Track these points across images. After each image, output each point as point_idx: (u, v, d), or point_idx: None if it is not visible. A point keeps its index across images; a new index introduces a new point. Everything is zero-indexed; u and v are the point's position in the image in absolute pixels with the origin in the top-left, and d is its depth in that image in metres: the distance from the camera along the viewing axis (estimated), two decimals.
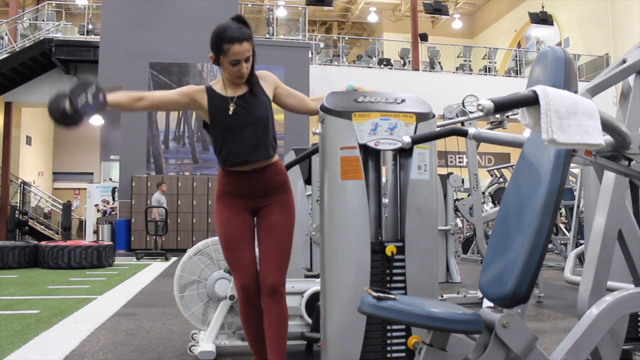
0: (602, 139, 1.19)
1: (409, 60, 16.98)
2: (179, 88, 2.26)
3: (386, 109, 2.16)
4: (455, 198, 7.34)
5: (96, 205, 15.37)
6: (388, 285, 2.11)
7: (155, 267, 8.58)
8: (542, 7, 17.25)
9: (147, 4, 13.13)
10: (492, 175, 10.41)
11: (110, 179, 18.37)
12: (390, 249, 2.11)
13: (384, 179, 2.85)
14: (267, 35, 14.79)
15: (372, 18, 22.38)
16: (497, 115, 4.84)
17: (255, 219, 2.30)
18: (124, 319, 4.21)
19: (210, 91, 2.22)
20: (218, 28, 2.15)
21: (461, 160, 16.65)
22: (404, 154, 2.20)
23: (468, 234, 11.29)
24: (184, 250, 3.45)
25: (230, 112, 2.18)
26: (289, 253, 2.28)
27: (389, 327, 2.09)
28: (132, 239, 12.26)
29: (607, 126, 1.39)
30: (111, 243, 9.07)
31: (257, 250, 2.31)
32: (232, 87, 2.23)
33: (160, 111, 12.94)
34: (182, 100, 2.21)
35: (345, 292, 2.06)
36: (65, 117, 1.93)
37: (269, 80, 2.28)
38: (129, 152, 12.75)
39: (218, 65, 2.21)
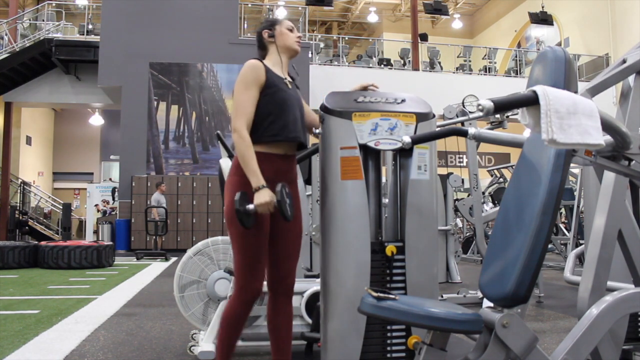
0: (602, 139, 1.19)
1: (409, 60, 16.98)
2: (247, 83, 2.12)
3: (386, 109, 2.16)
4: (455, 198, 7.34)
5: (96, 205, 15.39)
6: (388, 285, 2.11)
7: (155, 267, 8.58)
8: (542, 7, 17.25)
9: (147, 4, 13.13)
10: (492, 175, 10.42)
11: (110, 179, 18.41)
12: (390, 249, 2.11)
13: (384, 179, 2.85)
14: None
15: (372, 18, 22.37)
16: (497, 115, 4.84)
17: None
18: (124, 319, 4.21)
19: (265, 65, 2.19)
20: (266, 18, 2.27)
21: (461, 160, 16.66)
22: (404, 154, 2.20)
23: (468, 234, 11.30)
24: (184, 250, 3.45)
25: (287, 86, 2.19)
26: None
27: (389, 327, 2.09)
28: (132, 239, 12.26)
29: (607, 126, 1.39)
30: (111, 243, 9.07)
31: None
32: (279, 69, 2.24)
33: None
34: (258, 93, 2.13)
35: (345, 292, 2.06)
36: (248, 215, 2.01)
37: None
38: (129, 152, 12.76)
39: (272, 39, 2.23)
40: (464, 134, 2.20)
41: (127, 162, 12.74)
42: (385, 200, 2.41)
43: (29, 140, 18.13)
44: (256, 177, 2.00)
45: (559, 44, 18.18)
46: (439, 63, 16.96)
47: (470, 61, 17.22)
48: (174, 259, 9.95)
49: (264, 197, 1.97)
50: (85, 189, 16.72)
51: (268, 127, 2.11)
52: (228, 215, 2.09)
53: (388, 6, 22.51)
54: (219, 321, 2.17)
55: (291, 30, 2.26)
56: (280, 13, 17.27)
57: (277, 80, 2.17)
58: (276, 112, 2.12)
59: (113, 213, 14.38)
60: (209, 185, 12.60)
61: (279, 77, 2.19)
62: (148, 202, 11.42)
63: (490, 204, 9.90)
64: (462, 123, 4.67)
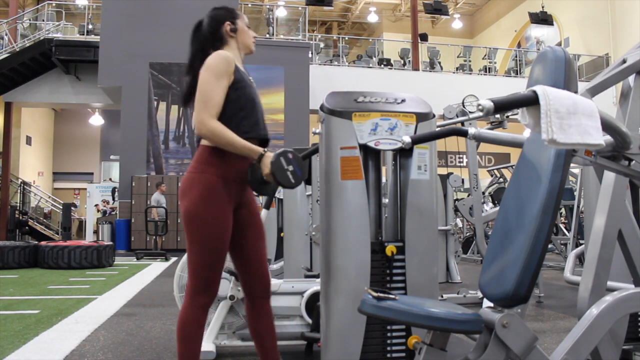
0: (602, 139, 1.19)
1: (409, 60, 16.99)
2: (219, 74, 1.95)
3: (386, 109, 2.16)
4: (455, 198, 7.34)
5: (96, 205, 15.39)
6: (388, 285, 2.11)
7: (155, 267, 8.58)
8: (542, 7, 17.26)
9: (147, 4, 13.13)
10: (492, 175, 10.42)
11: (110, 179, 18.41)
12: (390, 249, 2.11)
13: (384, 179, 2.85)
14: (267, 35, 14.78)
15: (372, 18, 22.38)
16: (497, 115, 4.84)
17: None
18: (124, 319, 4.21)
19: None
20: (221, 6, 2.16)
21: (461, 160, 16.65)
22: (404, 154, 2.20)
23: (468, 234, 11.30)
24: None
25: (251, 82, 2.09)
26: None
27: (389, 327, 2.09)
28: (132, 239, 12.26)
29: (607, 126, 1.39)
30: (111, 243, 9.07)
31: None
32: (240, 65, 2.11)
33: None
34: (227, 86, 1.98)
35: (345, 292, 2.06)
36: (265, 184, 1.97)
37: None
38: (129, 152, 12.76)
39: (234, 34, 2.11)
40: (464, 134, 2.20)
41: (127, 162, 12.74)
42: (385, 200, 2.41)
43: (29, 140, 18.14)
44: (252, 150, 1.90)
45: (559, 44, 18.19)
46: (439, 63, 16.97)
47: (470, 61, 17.23)
48: (174, 259, 9.95)
49: (268, 163, 1.89)
50: (85, 189, 16.73)
51: (240, 123, 1.97)
52: (188, 215, 1.96)
53: (388, 6, 22.52)
54: (176, 336, 2.02)
55: (249, 28, 2.15)
56: (280, 13, 17.27)
57: (244, 76, 2.06)
58: (248, 109, 2.01)
59: (113, 213, 14.38)
60: None
61: (245, 73, 2.08)
62: (148, 202, 11.42)
63: (490, 204, 9.90)
64: (462, 123, 4.67)
